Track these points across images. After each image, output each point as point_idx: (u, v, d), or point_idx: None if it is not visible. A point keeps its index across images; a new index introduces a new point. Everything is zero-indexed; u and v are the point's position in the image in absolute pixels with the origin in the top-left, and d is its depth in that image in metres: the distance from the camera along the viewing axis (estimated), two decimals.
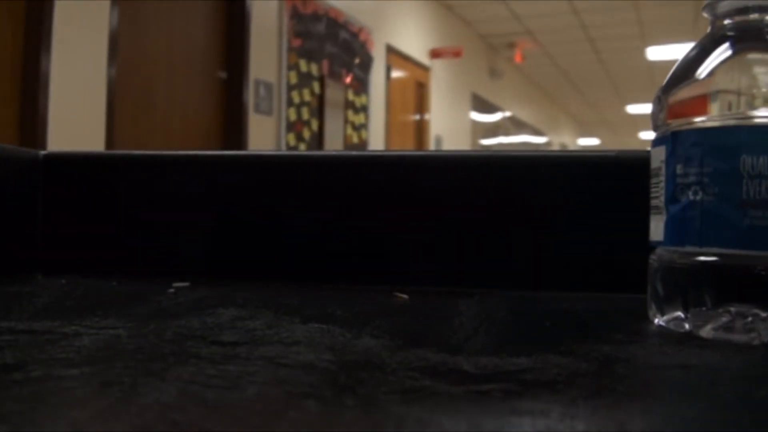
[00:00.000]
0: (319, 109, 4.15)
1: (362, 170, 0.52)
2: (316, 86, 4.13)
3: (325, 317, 0.36)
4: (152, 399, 0.22)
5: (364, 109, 4.72)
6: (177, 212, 0.55)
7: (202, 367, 0.26)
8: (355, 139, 4.66)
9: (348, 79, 4.49)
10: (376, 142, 4.97)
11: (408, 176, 0.52)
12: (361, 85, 4.69)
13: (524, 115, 8.73)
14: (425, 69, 5.76)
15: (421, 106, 5.78)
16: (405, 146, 5.34)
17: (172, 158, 0.57)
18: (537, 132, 9.37)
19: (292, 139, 3.92)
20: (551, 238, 0.49)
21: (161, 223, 0.55)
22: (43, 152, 0.57)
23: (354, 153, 0.53)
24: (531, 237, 0.50)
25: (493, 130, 7.61)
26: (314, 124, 4.13)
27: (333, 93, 4.30)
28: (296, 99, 3.95)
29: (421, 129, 5.77)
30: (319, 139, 4.17)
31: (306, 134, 4.06)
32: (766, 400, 0.24)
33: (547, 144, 9.98)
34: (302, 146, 3.99)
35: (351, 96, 4.56)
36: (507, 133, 8.09)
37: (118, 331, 0.32)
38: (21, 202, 0.55)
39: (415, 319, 0.39)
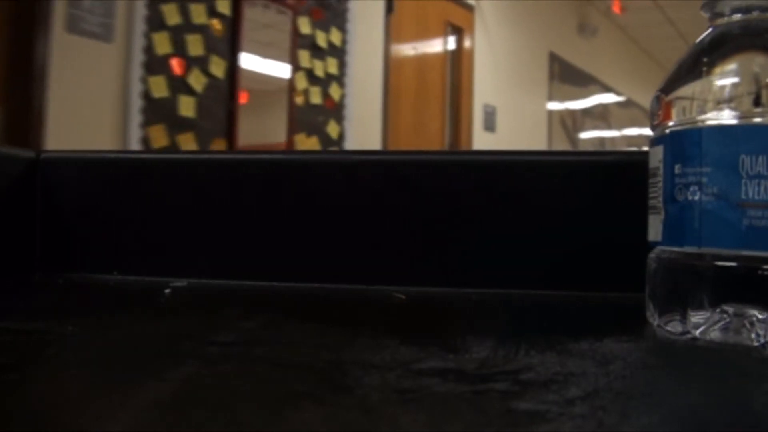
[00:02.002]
0: (232, 41, 2.48)
1: (362, 170, 0.52)
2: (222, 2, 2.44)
3: (322, 317, 0.36)
4: (149, 399, 0.22)
5: (336, 52, 3.03)
6: (174, 212, 0.55)
7: (199, 367, 0.26)
8: (316, 98, 2.95)
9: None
10: (364, 106, 3.25)
11: (408, 176, 0.52)
12: (330, 15, 2.97)
13: (630, 91, 6.23)
14: (466, 7, 3.92)
15: (459, 63, 3.90)
16: (423, 120, 3.66)
17: (171, 158, 0.56)
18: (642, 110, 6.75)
19: (159, 85, 2.25)
20: (549, 238, 0.49)
21: (159, 222, 0.55)
22: (40, 152, 0.57)
23: (354, 153, 0.53)
24: (529, 237, 0.50)
25: (585, 115, 5.59)
26: (217, 65, 2.44)
27: (263, 16, 2.62)
28: (172, 18, 2.27)
29: (457, 99, 3.94)
30: (229, 87, 2.50)
31: (197, 80, 2.37)
32: (764, 399, 0.24)
33: None
34: (186, 99, 2.34)
35: (306, 26, 2.84)
36: (606, 119, 5.90)
37: (115, 332, 0.32)
38: (19, 202, 0.55)
39: (411, 319, 0.39)
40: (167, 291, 0.45)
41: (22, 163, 0.55)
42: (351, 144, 3.17)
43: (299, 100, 2.89)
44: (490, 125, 4.31)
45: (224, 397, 0.22)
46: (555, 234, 0.49)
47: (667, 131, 0.34)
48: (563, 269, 0.49)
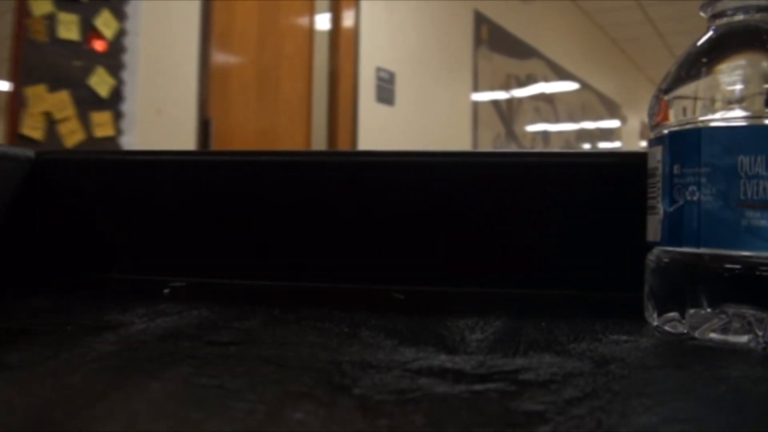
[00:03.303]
0: None
1: (361, 170, 0.52)
2: None
3: (321, 317, 0.36)
4: (147, 399, 0.22)
5: None
6: (174, 212, 0.55)
7: (198, 367, 0.26)
8: (71, 32, 1.83)
9: None
10: (166, 52, 2.14)
11: (406, 177, 0.52)
12: None
13: (582, 72, 5.21)
14: None
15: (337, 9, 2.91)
16: (271, 87, 2.66)
17: (170, 158, 0.56)
18: (608, 104, 5.85)
19: None
20: (548, 237, 0.49)
21: (158, 222, 0.55)
22: (40, 152, 0.57)
23: (352, 153, 0.53)
24: (527, 237, 0.50)
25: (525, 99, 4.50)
26: None
27: None
28: None
29: (335, 64, 2.95)
30: None
31: None
32: (762, 399, 0.24)
33: (621, 130, 6.36)
34: None
35: None
36: (552, 103, 4.85)
37: (114, 331, 0.32)
38: (18, 202, 0.55)
39: (411, 319, 0.39)
40: (166, 291, 0.45)
41: (22, 163, 0.55)
42: (136, 108, 2.07)
43: (37, 30, 1.80)
44: (386, 96, 3.29)
45: (223, 396, 0.22)
46: (554, 234, 0.49)
47: (666, 132, 0.34)
48: (561, 269, 0.49)
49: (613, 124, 6.22)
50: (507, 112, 4.40)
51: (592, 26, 5.45)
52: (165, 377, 0.24)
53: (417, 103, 3.51)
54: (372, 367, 0.26)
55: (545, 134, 4.96)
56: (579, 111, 5.45)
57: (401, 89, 3.37)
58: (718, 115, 0.32)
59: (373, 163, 0.52)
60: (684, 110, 0.34)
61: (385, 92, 3.29)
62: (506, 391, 0.23)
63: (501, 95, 4.30)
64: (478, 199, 0.50)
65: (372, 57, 3.17)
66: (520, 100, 4.52)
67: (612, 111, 6.19)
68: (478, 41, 3.97)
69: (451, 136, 3.77)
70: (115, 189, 0.56)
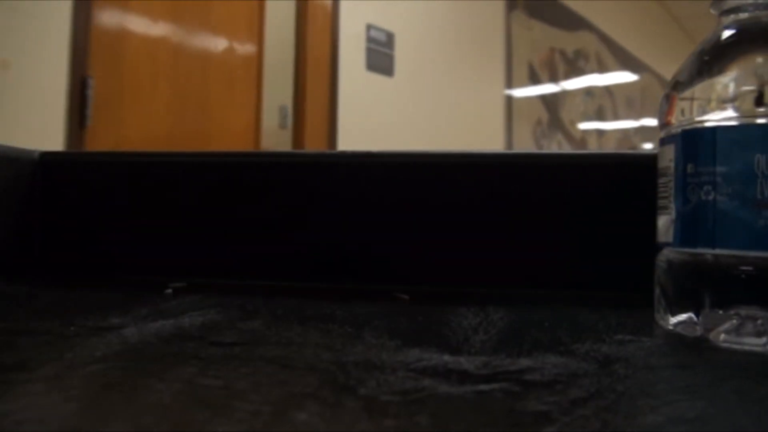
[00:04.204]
0: None
1: (362, 170, 0.52)
2: None
3: (325, 317, 0.36)
4: (152, 400, 0.22)
5: None
6: (174, 212, 0.55)
7: (202, 367, 0.26)
8: None
9: None
10: None
11: (409, 176, 0.51)
12: None
13: (641, 52, 4.14)
14: None
15: None
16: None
17: (171, 158, 0.56)
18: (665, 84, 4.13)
19: None
20: (552, 237, 0.49)
21: (159, 222, 0.55)
22: (40, 152, 0.57)
23: (353, 153, 0.53)
24: (532, 237, 0.50)
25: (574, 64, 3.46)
26: None
27: None
28: None
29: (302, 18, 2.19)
30: None
31: None
32: (767, 400, 0.24)
33: None
34: None
35: None
36: (607, 93, 3.90)
37: (116, 332, 0.32)
38: (18, 202, 0.55)
39: (414, 320, 0.39)
40: (168, 291, 0.45)
41: (22, 163, 0.55)
42: None
43: None
44: (380, 63, 2.45)
45: (227, 397, 0.22)
46: (559, 233, 0.49)
47: (679, 130, 0.34)
48: (565, 269, 0.49)
49: None
50: (551, 96, 3.49)
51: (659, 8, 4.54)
52: (169, 378, 0.24)
53: (426, 75, 2.61)
54: (376, 367, 0.26)
55: (599, 119, 3.94)
56: (638, 99, 4.46)
57: (403, 56, 2.49)
58: (733, 113, 0.32)
59: (375, 163, 0.52)
60: (698, 108, 0.33)
61: (380, 58, 2.40)
62: (511, 391, 0.23)
63: (543, 74, 3.35)
64: (483, 198, 0.50)
65: (359, 10, 2.29)
66: (567, 81, 3.53)
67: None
68: (511, 3, 3.16)
69: (473, 123, 2.90)
70: (117, 189, 0.56)
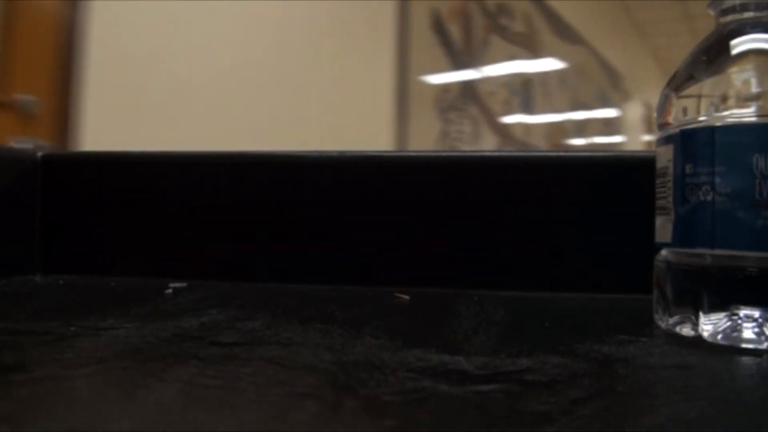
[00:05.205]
0: None
1: (362, 170, 0.52)
2: None
3: (325, 318, 0.36)
4: (152, 400, 0.22)
5: None
6: (175, 212, 0.55)
7: (202, 367, 0.26)
8: None
9: None
10: None
11: (409, 176, 0.52)
12: None
13: (577, 21, 3.67)
14: None
15: None
16: None
17: (171, 158, 0.56)
18: (609, 73, 4.32)
19: None
20: (552, 238, 0.49)
21: (159, 223, 0.55)
22: (41, 152, 0.57)
23: (354, 153, 0.53)
24: (531, 237, 0.50)
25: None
26: None
27: None
28: None
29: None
30: None
31: None
32: (766, 400, 0.24)
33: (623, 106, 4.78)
34: None
35: None
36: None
37: (117, 332, 0.32)
38: (19, 202, 0.55)
39: (414, 320, 0.39)
40: (168, 291, 0.45)
41: (22, 163, 0.55)
42: None
43: None
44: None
45: (227, 397, 0.22)
46: (558, 235, 0.49)
47: (678, 130, 0.34)
48: (565, 270, 0.49)
49: (615, 95, 4.72)
50: (464, 50, 2.59)
51: None
52: (169, 378, 0.24)
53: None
54: (376, 367, 0.26)
55: (527, 95, 3.14)
56: (572, 72, 3.80)
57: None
58: (731, 113, 0.32)
59: (376, 163, 0.52)
60: (696, 108, 0.33)
61: None
62: (511, 391, 0.23)
63: (453, 27, 2.45)
64: (483, 198, 0.50)
65: None
66: (487, 37, 2.67)
67: (614, 81, 4.63)
68: None
69: (349, 111, 2.16)
70: (117, 189, 0.56)
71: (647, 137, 5.38)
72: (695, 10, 4.32)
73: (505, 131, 2.97)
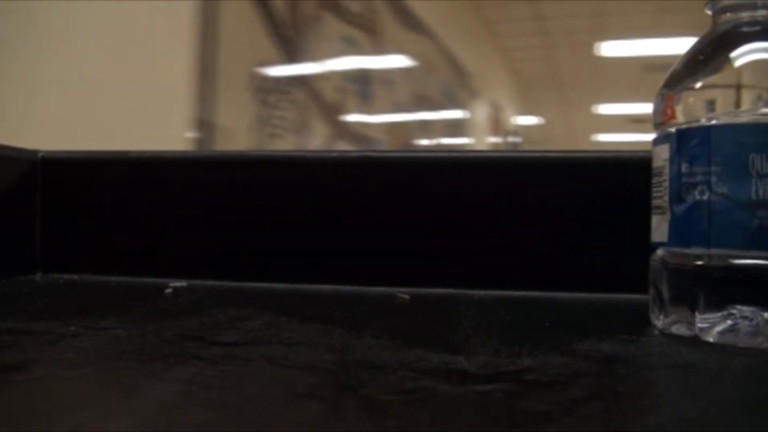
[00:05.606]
0: None
1: (363, 170, 0.52)
2: None
3: (325, 317, 0.36)
4: (152, 399, 0.22)
5: None
6: (175, 212, 0.55)
7: (202, 367, 0.26)
8: None
9: None
10: None
11: (409, 177, 0.52)
12: None
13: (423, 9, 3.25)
14: None
15: None
16: None
17: (171, 158, 0.56)
18: (457, 68, 3.96)
19: None
20: (551, 238, 0.49)
21: (159, 223, 0.55)
22: (40, 152, 0.57)
23: (354, 153, 0.53)
24: (531, 237, 0.50)
25: None
26: None
27: None
28: None
29: None
30: None
31: None
32: (765, 399, 0.24)
33: (470, 113, 4.42)
34: None
35: None
36: (374, 40, 2.65)
37: (117, 332, 0.32)
38: (19, 202, 0.55)
39: (415, 320, 0.39)
40: (168, 291, 0.45)
41: (22, 163, 0.55)
42: None
43: None
44: None
45: (228, 397, 0.22)
46: (557, 235, 0.49)
47: (673, 129, 0.34)
48: (564, 270, 0.49)
49: (462, 94, 4.23)
50: (290, 24, 2.22)
51: None
52: (169, 378, 0.24)
53: None
54: (377, 367, 0.26)
55: (365, 83, 2.73)
56: (417, 63, 3.35)
57: None
58: (728, 112, 0.32)
59: (376, 163, 0.52)
60: (692, 107, 0.33)
61: None
62: (511, 391, 0.23)
63: None
64: (483, 199, 0.50)
65: None
66: (318, 13, 2.35)
67: (462, 79, 4.19)
68: None
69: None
70: (117, 189, 0.56)
71: (493, 139, 5.08)
72: (545, 10, 4.25)
73: (340, 122, 2.50)
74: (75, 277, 0.53)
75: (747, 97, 0.32)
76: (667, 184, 0.34)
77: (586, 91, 6.04)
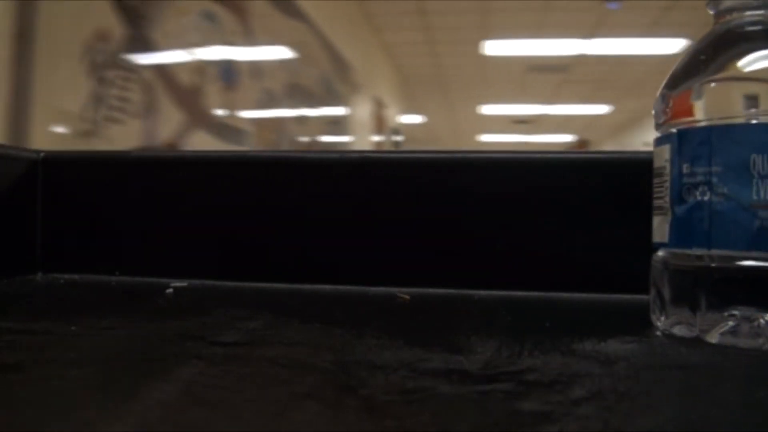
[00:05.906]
0: None
1: (363, 170, 0.52)
2: None
3: (325, 317, 0.36)
4: (153, 399, 0.22)
5: None
6: (175, 212, 0.55)
7: (203, 367, 0.26)
8: None
9: None
10: None
11: (409, 177, 0.51)
12: None
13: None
14: None
15: None
16: None
17: (172, 158, 0.56)
18: (337, 59, 3.68)
19: None
20: (552, 239, 0.49)
21: (159, 223, 0.55)
22: (41, 152, 0.57)
23: (354, 153, 0.53)
24: (532, 238, 0.50)
25: None
26: None
27: None
28: None
29: None
30: None
31: None
32: (766, 400, 0.24)
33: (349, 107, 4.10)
34: None
35: None
36: (241, 20, 2.27)
37: (117, 332, 0.32)
38: (20, 202, 0.55)
39: (415, 320, 0.39)
40: (168, 291, 0.45)
41: (22, 163, 0.55)
42: None
43: None
44: None
45: (229, 397, 0.22)
46: (557, 235, 0.49)
47: (675, 130, 0.34)
48: (565, 270, 0.49)
49: (343, 88, 3.92)
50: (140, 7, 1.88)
51: None
52: (171, 378, 0.24)
53: None
54: (377, 367, 0.26)
55: (228, 66, 2.41)
56: (293, 50, 3.07)
57: None
58: (728, 113, 0.31)
59: (377, 163, 0.52)
60: (693, 108, 0.33)
61: None
62: (512, 391, 0.23)
63: None
64: (484, 199, 0.50)
65: None
66: None
67: (342, 72, 3.90)
68: None
69: None
70: (117, 189, 0.56)
71: (377, 137, 4.77)
72: (429, 6, 4.06)
73: (198, 109, 2.18)
74: (75, 277, 0.53)
75: (748, 97, 0.32)
76: (668, 184, 0.34)
77: (470, 90, 5.82)
